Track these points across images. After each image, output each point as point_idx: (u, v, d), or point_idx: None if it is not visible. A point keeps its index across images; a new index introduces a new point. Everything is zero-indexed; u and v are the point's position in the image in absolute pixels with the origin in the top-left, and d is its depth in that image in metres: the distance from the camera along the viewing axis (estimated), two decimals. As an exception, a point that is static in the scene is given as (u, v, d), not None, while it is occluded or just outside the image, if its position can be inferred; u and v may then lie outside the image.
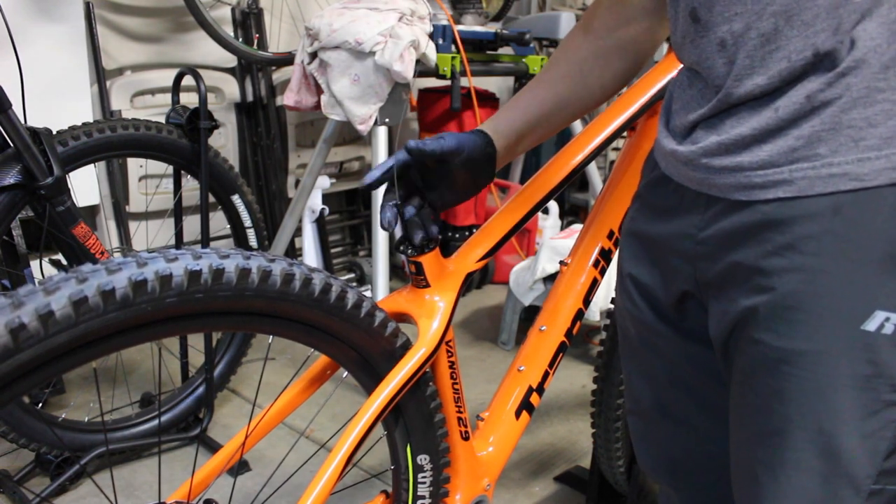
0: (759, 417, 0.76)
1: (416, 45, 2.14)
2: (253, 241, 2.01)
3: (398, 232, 0.98)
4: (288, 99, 2.35)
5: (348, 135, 3.07)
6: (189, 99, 2.38)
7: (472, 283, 3.17)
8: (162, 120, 1.81)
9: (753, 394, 0.76)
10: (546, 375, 1.21)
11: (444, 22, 2.39)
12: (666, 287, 0.87)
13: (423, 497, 1.05)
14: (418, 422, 1.00)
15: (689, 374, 0.91)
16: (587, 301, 1.24)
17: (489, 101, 3.07)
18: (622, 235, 0.97)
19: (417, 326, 1.00)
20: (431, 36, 2.27)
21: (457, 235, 3.13)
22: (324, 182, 2.64)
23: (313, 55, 2.22)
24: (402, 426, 1.00)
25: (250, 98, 2.82)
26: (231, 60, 2.74)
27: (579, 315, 1.23)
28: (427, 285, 1.01)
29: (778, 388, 0.73)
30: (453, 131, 2.91)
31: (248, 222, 1.99)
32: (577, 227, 2.81)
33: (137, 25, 2.56)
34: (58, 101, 2.11)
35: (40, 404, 1.95)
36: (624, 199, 1.24)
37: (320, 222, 2.78)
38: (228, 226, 2.00)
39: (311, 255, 2.72)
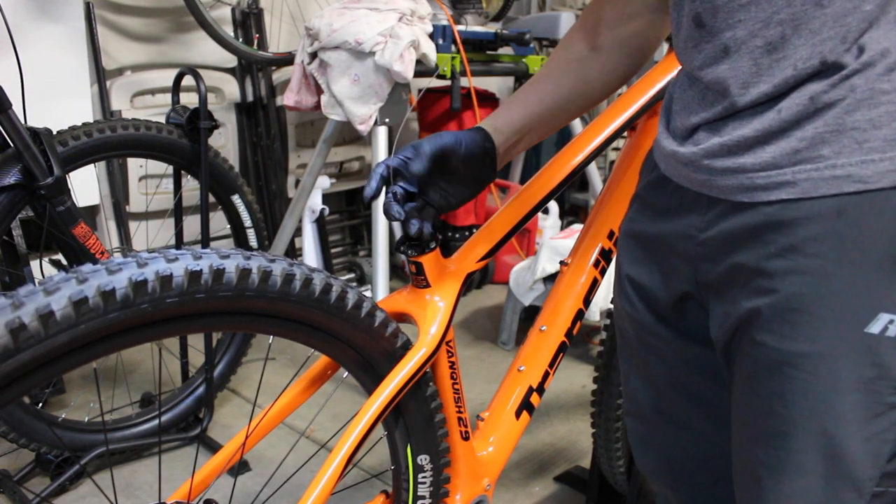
0: (761, 419, 0.76)
1: (416, 45, 2.14)
2: (253, 241, 2.01)
3: (398, 231, 0.98)
4: (288, 99, 2.35)
5: (348, 135, 3.07)
6: (189, 99, 2.38)
7: (473, 283, 3.17)
8: (162, 120, 1.81)
9: (756, 396, 0.76)
10: (546, 375, 1.21)
11: (444, 22, 2.39)
12: (665, 288, 0.87)
13: (423, 497, 1.05)
14: (418, 422, 1.00)
15: (687, 375, 0.91)
16: (587, 301, 1.24)
17: (489, 101, 3.07)
18: (620, 236, 0.96)
19: (418, 327, 1.00)
20: (431, 36, 2.27)
21: (457, 235, 3.14)
22: (324, 182, 2.64)
23: (313, 55, 2.22)
24: (403, 426, 1.00)
25: (250, 98, 2.82)
26: (231, 60, 2.74)
27: (579, 315, 1.23)
28: (427, 285, 1.01)
29: (781, 390, 0.73)
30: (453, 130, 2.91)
31: (248, 222, 1.99)
32: (578, 227, 2.81)
33: (137, 25, 2.56)
34: (58, 101, 2.11)
35: (40, 404, 1.95)
36: (624, 199, 1.24)
37: (320, 222, 2.78)
38: (228, 226, 2.00)
39: (311, 255, 2.72)
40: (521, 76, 2.67)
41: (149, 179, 2.56)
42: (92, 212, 2.45)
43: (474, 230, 1.12)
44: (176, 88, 1.89)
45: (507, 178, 3.52)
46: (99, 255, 1.63)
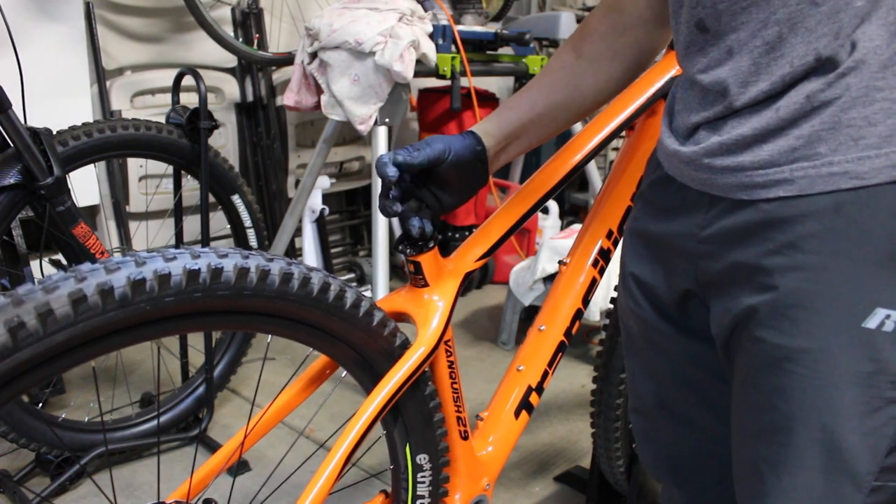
0: (761, 415, 0.77)
1: (416, 45, 2.14)
2: (253, 241, 2.01)
3: (398, 231, 0.98)
4: (288, 99, 2.35)
5: (348, 135, 3.08)
6: (189, 99, 2.38)
7: (472, 282, 3.17)
8: (162, 120, 1.81)
9: (756, 391, 0.77)
10: (545, 375, 1.21)
11: (444, 22, 2.39)
12: (668, 285, 0.88)
13: (422, 497, 1.05)
14: (417, 421, 1.00)
15: (690, 371, 0.92)
16: (586, 301, 1.24)
17: (489, 101, 3.07)
18: (625, 234, 0.97)
19: (416, 326, 1.00)
20: (431, 36, 2.27)
21: (456, 235, 3.14)
22: (324, 182, 2.65)
23: (313, 55, 2.22)
24: (402, 426, 1.00)
25: (250, 98, 2.82)
26: (231, 60, 2.75)
27: (578, 315, 1.23)
28: (426, 285, 1.01)
29: (780, 385, 0.74)
30: (453, 131, 2.92)
31: (248, 222, 1.99)
32: (577, 226, 2.81)
33: (137, 25, 2.56)
34: (58, 101, 2.11)
35: (40, 404, 1.95)
36: (623, 198, 1.24)
37: (320, 222, 2.78)
38: (228, 226, 2.00)
39: (310, 254, 2.72)
40: (521, 76, 2.67)
41: (149, 179, 2.56)
42: (92, 212, 2.45)
43: (474, 230, 1.12)
44: (176, 88, 1.89)
45: (507, 178, 3.52)
46: (99, 255, 1.63)
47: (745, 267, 0.75)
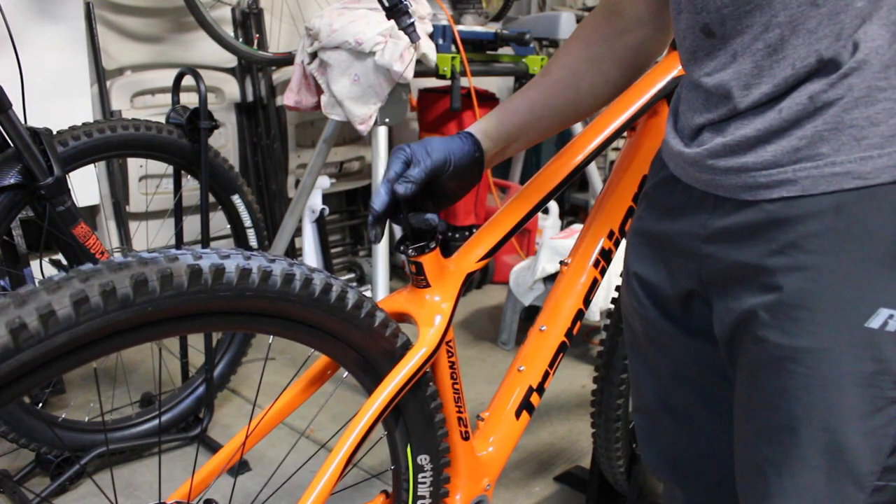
0: (764, 415, 0.77)
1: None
2: (253, 241, 2.01)
3: (398, 231, 0.98)
4: (288, 99, 2.35)
5: (348, 135, 3.07)
6: (189, 99, 2.38)
7: (473, 283, 3.17)
8: (162, 120, 1.81)
9: (759, 391, 0.77)
10: (546, 375, 1.21)
11: (444, 22, 2.39)
12: (672, 285, 0.88)
13: (423, 497, 1.05)
14: (418, 422, 1.00)
15: (694, 371, 0.92)
16: (587, 301, 1.24)
17: (489, 101, 3.08)
18: (628, 234, 0.97)
19: (417, 327, 1.00)
20: (431, 36, 2.27)
21: (457, 235, 3.14)
22: (324, 182, 2.65)
23: (313, 55, 2.22)
24: (403, 426, 1.00)
25: (250, 98, 2.82)
26: (231, 60, 2.74)
27: (579, 315, 1.23)
28: (427, 285, 1.01)
29: (783, 385, 0.74)
30: (453, 131, 2.92)
31: (248, 222, 1.99)
32: (577, 227, 2.81)
33: (137, 25, 2.56)
34: (58, 101, 2.11)
35: (40, 404, 1.95)
36: (624, 199, 1.24)
37: (320, 222, 2.78)
38: (228, 226, 2.00)
39: (311, 255, 2.72)
40: (521, 76, 2.67)
41: (149, 179, 2.56)
42: (92, 212, 2.45)
43: (474, 230, 1.12)
44: (176, 88, 1.89)
45: (507, 178, 3.52)
46: (99, 255, 1.63)
47: (748, 267, 0.75)
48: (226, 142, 2.79)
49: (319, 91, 2.26)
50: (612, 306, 1.45)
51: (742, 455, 0.82)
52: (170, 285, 0.71)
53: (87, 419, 1.85)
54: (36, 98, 1.62)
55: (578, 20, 3.35)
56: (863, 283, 0.69)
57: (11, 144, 1.48)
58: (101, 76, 2.43)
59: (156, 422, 1.89)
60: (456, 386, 1.06)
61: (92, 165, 1.75)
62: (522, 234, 3.24)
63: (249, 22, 2.71)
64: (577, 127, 2.61)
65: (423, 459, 1.03)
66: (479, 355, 2.60)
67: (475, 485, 1.14)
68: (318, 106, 2.28)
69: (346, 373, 0.97)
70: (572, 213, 3.94)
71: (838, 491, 0.73)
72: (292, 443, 1.85)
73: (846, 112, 0.68)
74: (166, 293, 0.71)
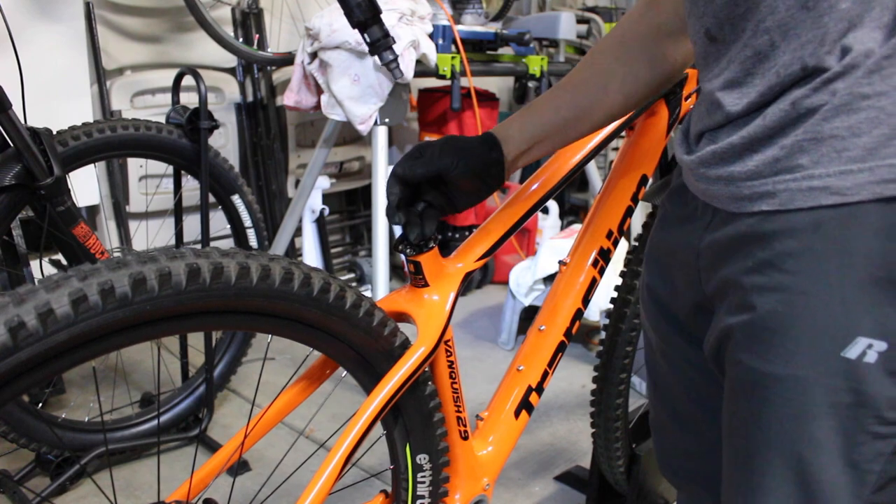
0: (738, 439, 0.74)
1: (416, 45, 2.14)
2: (253, 241, 2.01)
3: (398, 231, 0.98)
4: (288, 99, 2.35)
5: (348, 135, 3.08)
6: (189, 99, 2.38)
7: (472, 282, 3.17)
8: (162, 120, 1.81)
9: (736, 414, 0.74)
10: (545, 375, 1.21)
11: (444, 22, 2.39)
12: (679, 298, 0.86)
13: (422, 496, 1.05)
14: (417, 421, 1.00)
15: (701, 385, 0.89)
16: (586, 301, 1.24)
17: (489, 101, 3.08)
18: (647, 243, 0.94)
19: (416, 326, 1.00)
20: (431, 36, 2.27)
21: (456, 235, 3.14)
22: (324, 182, 2.65)
23: (313, 55, 2.22)
24: (402, 425, 1.00)
25: (250, 98, 2.83)
26: (231, 60, 2.75)
27: (578, 315, 1.23)
28: (426, 285, 1.01)
29: (756, 411, 0.70)
30: (453, 131, 2.92)
31: (248, 222, 1.99)
32: (577, 226, 2.81)
33: (137, 25, 2.56)
34: (58, 101, 2.11)
35: (40, 404, 1.95)
36: (623, 198, 1.24)
37: (320, 222, 2.78)
38: (228, 226, 2.00)
39: (311, 255, 2.72)
40: (521, 76, 2.67)
41: (149, 179, 2.56)
42: (92, 212, 2.45)
43: (474, 230, 1.12)
44: (176, 88, 1.89)
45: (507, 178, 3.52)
46: (99, 255, 1.64)
47: (729, 283, 0.72)
48: (226, 142, 2.79)
49: (319, 91, 2.26)
50: (612, 306, 1.45)
51: (724, 474, 0.79)
52: (168, 284, 0.71)
53: (87, 419, 1.86)
54: (36, 98, 1.62)
55: (578, 20, 3.35)
56: (840, 309, 0.64)
57: (11, 144, 1.48)
58: (101, 76, 2.43)
59: (155, 422, 1.89)
60: (455, 385, 1.06)
61: (92, 165, 1.75)
62: (522, 234, 3.24)
63: (249, 22, 2.72)
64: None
65: (423, 459, 1.03)
66: (479, 355, 2.60)
67: (474, 484, 1.14)
68: (318, 106, 2.29)
69: (345, 372, 0.97)
70: (572, 212, 3.94)
71: None
72: (291, 442, 1.85)
73: (826, 121, 0.63)
74: (165, 292, 0.71)
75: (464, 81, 2.42)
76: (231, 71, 2.80)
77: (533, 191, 1.14)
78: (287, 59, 2.49)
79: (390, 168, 0.95)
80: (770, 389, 0.69)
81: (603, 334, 1.48)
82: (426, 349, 0.96)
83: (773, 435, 0.69)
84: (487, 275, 3.24)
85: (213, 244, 2.06)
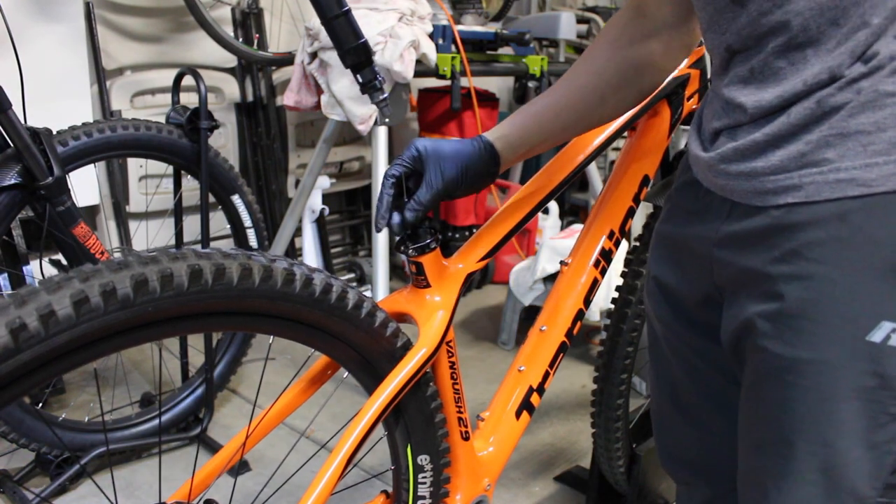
0: (764, 426, 0.76)
1: (416, 45, 2.14)
2: (253, 241, 2.01)
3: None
4: (288, 99, 2.35)
5: (348, 135, 3.07)
6: (189, 99, 2.38)
7: (473, 283, 3.17)
8: (162, 120, 1.81)
9: (759, 402, 0.76)
10: (546, 375, 1.21)
11: (444, 22, 2.39)
12: (688, 289, 0.88)
13: (423, 497, 1.05)
14: (419, 422, 1.00)
15: (708, 375, 0.91)
16: (588, 301, 1.24)
17: (489, 101, 3.07)
18: (652, 237, 0.97)
19: (418, 327, 1.00)
20: (431, 36, 2.27)
21: (457, 235, 3.14)
22: (324, 182, 2.64)
23: (313, 55, 2.22)
24: (403, 426, 1.00)
25: (250, 98, 2.82)
26: (231, 60, 2.74)
27: (580, 315, 1.23)
28: (428, 285, 1.01)
29: (782, 397, 0.73)
30: (453, 131, 2.91)
31: (248, 222, 1.99)
32: (577, 227, 2.81)
33: (137, 25, 2.56)
34: (58, 101, 2.11)
35: (40, 404, 1.95)
36: (625, 199, 1.24)
37: (320, 222, 2.78)
38: (228, 226, 2.00)
39: (311, 255, 2.72)
40: (521, 76, 2.67)
41: (149, 179, 2.56)
42: (92, 212, 2.45)
43: (474, 230, 1.12)
44: (176, 88, 1.89)
45: (507, 178, 3.52)
46: (99, 255, 1.63)
47: (752, 273, 0.75)
48: (226, 142, 2.79)
49: (319, 91, 2.26)
50: (612, 306, 1.45)
51: (743, 465, 0.81)
52: (170, 285, 0.71)
53: (87, 419, 1.85)
54: (36, 98, 1.62)
55: (579, 20, 3.35)
56: (865, 294, 0.68)
57: (11, 144, 1.48)
58: (101, 76, 2.43)
59: (156, 422, 1.89)
60: (456, 386, 1.06)
61: (92, 165, 1.75)
62: (522, 234, 3.24)
63: (249, 22, 2.71)
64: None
65: (424, 459, 1.02)
66: (479, 355, 2.60)
67: (475, 485, 1.14)
68: (318, 106, 2.28)
69: (347, 373, 0.97)
70: (572, 213, 3.94)
71: None
72: (292, 443, 1.85)
73: (852, 117, 0.67)
74: (166, 293, 0.71)
75: (464, 81, 2.42)
76: (231, 71, 2.80)
77: (534, 192, 1.14)
78: (287, 59, 2.49)
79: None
80: (797, 374, 0.71)
81: (603, 334, 1.48)
82: (428, 350, 0.96)
83: (799, 419, 0.72)
84: (487, 275, 3.24)
85: (212, 244, 2.07)
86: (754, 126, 0.73)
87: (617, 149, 3.38)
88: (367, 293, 2.17)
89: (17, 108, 1.49)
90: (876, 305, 0.68)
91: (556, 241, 2.50)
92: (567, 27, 3.14)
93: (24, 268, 1.73)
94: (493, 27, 2.68)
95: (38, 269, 1.72)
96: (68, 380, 2.12)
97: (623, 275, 1.43)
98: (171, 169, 1.90)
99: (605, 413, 1.50)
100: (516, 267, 2.62)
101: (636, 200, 1.24)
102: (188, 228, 2.03)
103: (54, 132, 1.59)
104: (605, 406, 1.49)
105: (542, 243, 2.58)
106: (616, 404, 1.48)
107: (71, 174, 1.60)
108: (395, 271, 3.13)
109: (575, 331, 1.23)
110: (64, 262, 1.70)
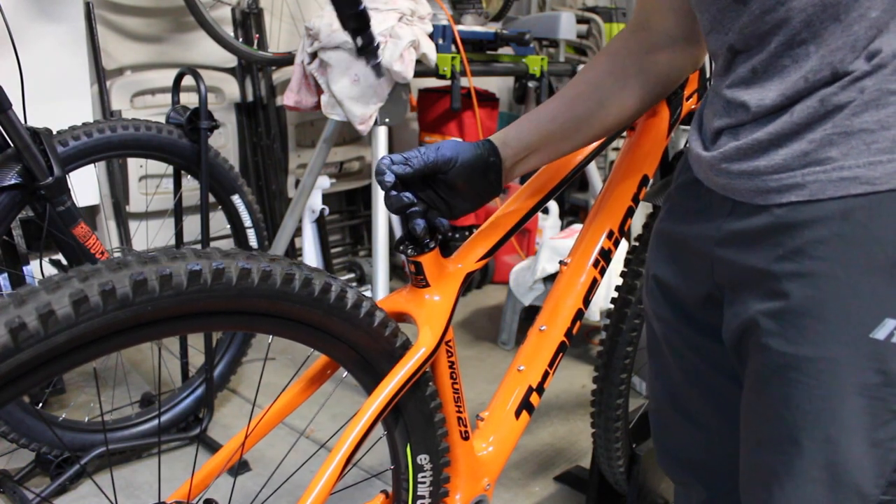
0: (768, 424, 0.76)
1: (417, 45, 2.14)
2: (253, 241, 2.01)
3: (398, 231, 0.98)
4: (288, 99, 2.35)
5: (348, 135, 3.08)
6: (189, 99, 2.38)
7: (472, 282, 3.17)
8: (162, 120, 1.81)
9: (762, 400, 0.76)
10: (546, 375, 1.21)
11: (444, 22, 2.39)
12: (689, 288, 0.88)
13: (422, 497, 1.05)
14: (418, 421, 1.00)
15: (708, 375, 0.91)
16: (587, 301, 1.24)
17: (489, 101, 3.07)
18: (651, 235, 0.97)
19: (417, 326, 1.00)
20: (431, 36, 2.27)
21: (457, 235, 3.14)
22: (324, 182, 2.64)
23: (313, 55, 2.22)
24: (402, 426, 1.00)
25: (250, 98, 2.82)
26: (231, 60, 2.75)
27: (579, 315, 1.23)
28: (427, 285, 1.01)
29: (786, 394, 0.73)
30: (453, 131, 2.91)
31: (248, 222, 1.99)
32: (577, 227, 2.81)
33: (137, 25, 2.56)
34: (58, 101, 2.11)
35: (40, 404, 1.95)
36: (624, 199, 1.24)
37: (320, 222, 2.78)
38: (228, 226, 2.00)
39: (311, 255, 2.72)
40: (521, 76, 2.67)
41: (149, 179, 2.56)
42: (92, 212, 2.45)
43: (474, 230, 1.12)
44: (176, 88, 1.89)
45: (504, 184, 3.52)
46: (99, 255, 1.64)
47: (755, 272, 0.75)
48: (226, 142, 2.79)
49: (319, 91, 2.26)
50: (612, 306, 1.45)
51: (746, 464, 0.81)
52: (169, 285, 0.71)
53: (87, 419, 1.85)
54: (36, 98, 1.63)
55: (579, 20, 3.35)
56: (868, 292, 0.68)
57: (11, 144, 1.48)
58: (101, 76, 2.43)
59: (156, 422, 1.89)
60: (455, 386, 1.06)
61: (92, 165, 1.75)
62: (522, 234, 3.24)
63: (249, 22, 2.71)
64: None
65: (423, 459, 1.03)
66: (479, 355, 2.60)
67: (475, 484, 1.14)
68: (318, 106, 2.28)
69: (346, 372, 0.97)
70: (572, 213, 3.94)
71: None
72: (292, 443, 1.85)
73: (856, 115, 0.67)
74: (165, 293, 0.71)
75: (464, 81, 2.42)
76: (231, 71, 2.80)
77: (533, 192, 1.14)
78: (287, 59, 2.49)
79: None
80: (801, 372, 0.72)
81: (603, 334, 1.48)
82: (427, 350, 0.96)
83: (803, 417, 0.72)
84: (487, 275, 3.24)
85: (212, 244, 2.07)
86: (757, 125, 0.74)
87: (616, 149, 3.38)
88: (367, 293, 2.17)
89: (17, 108, 1.49)
90: (880, 303, 0.68)
91: (555, 241, 2.50)
92: (567, 27, 3.14)
93: (24, 268, 1.73)
94: (493, 27, 2.68)
95: (38, 269, 1.72)
96: (68, 380, 2.12)
97: (622, 274, 1.43)
98: (171, 169, 1.90)
99: (604, 413, 1.50)
100: (516, 267, 2.62)
101: (635, 200, 1.24)
102: (188, 228, 2.03)
103: (54, 132, 1.59)
104: (604, 406, 1.49)
105: (541, 243, 2.58)
106: (616, 404, 1.48)
107: (71, 174, 1.60)
108: (395, 271, 3.13)
109: (574, 330, 1.23)
110: (64, 262, 1.70)
